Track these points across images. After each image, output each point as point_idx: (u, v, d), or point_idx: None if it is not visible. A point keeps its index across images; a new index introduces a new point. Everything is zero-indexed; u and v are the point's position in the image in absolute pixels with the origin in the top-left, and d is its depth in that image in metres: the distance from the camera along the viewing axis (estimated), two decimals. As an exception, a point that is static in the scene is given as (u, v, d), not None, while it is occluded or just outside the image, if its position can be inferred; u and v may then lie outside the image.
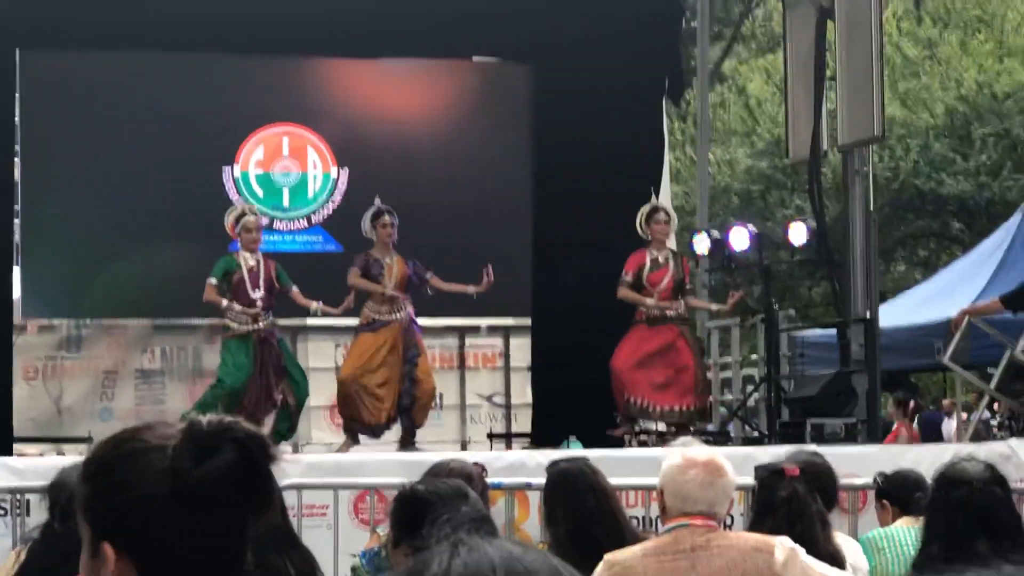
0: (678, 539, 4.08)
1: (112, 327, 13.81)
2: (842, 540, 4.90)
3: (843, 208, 13.47)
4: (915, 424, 21.67)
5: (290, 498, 6.57)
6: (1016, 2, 26.18)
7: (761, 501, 4.69)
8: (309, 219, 13.72)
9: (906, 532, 5.69)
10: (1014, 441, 9.76)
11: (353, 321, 11.50)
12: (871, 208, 12.85)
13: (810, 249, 12.95)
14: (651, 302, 11.39)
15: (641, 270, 11.46)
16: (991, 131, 24.16)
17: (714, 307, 12.70)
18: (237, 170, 13.55)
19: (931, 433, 18.90)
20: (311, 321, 13.19)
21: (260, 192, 13.57)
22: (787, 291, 24.28)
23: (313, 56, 13.77)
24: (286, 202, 13.71)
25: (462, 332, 14.40)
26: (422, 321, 11.58)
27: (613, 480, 5.12)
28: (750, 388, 13.31)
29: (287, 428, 11.14)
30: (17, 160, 13.04)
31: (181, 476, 1.70)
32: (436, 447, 11.53)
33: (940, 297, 15.59)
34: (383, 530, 4.80)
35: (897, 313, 15.59)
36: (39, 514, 5.68)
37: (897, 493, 6.11)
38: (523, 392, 14.06)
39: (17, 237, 13.01)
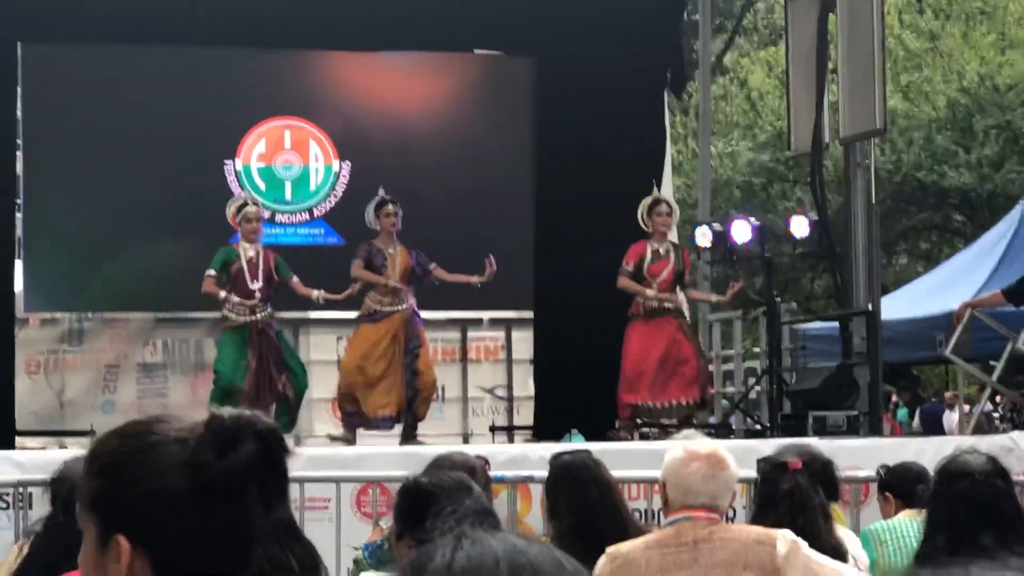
0: (680, 532, 4.08)
1: (114, 320, 13.79)
2: (842, 533, 4.90)
3: (845, 201, 13.47)
4: (916, 417, 21.72)
5: (292, 491, 6.55)
6: (1018, -6, 26.14)
7: (763, 494, 4.69)
8: (311, 212, 13.72)
9: (909, 524, 5.70)
10: (1016, 434, 9.76)
11: (355, 314, 11.49)
12: (873, 201, 12.85)
13: (812, 242, 12.95)
14: (651, 293, 11.38)
15: (642, 261, 11.44)
16: (993, 123, 24.15)
17: (714, 298, 12.69)
18: (239, 163, 13.54)
19: (933, 426, 18.93)
20: (313, 314, 13.18)
21: (263, 185, 13.57)
22: (789, 284, 24.31)
23: (315, 49, 13.77)
24: (288, 195, 13.70)
25: (464, 325, 14.37)
26: (424, 314, 11.57)
27: (615, 473, 5.12)
28: (752, 381, 13.31)
29: (287, 421, 11.12)
30: (19, 154, 13.05)
31: (203, 469, 1.70)
32: (438, 440, 11.51)
33: (942, 290, 15.58)
34: (386, 523, 4.80)
35: (899, 306, 15.58)
36: (41, 508, 5.67)
37: (900, 486, 6.12)
38: (525, 385, 14.04)
39: (19, 231, 13.02)
